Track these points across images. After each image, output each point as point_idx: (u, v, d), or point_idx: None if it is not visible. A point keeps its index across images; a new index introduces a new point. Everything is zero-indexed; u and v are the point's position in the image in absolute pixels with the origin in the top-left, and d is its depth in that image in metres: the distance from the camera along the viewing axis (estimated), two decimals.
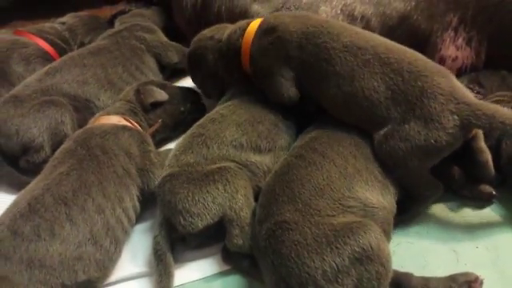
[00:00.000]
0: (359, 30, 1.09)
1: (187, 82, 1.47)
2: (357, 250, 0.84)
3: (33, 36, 1.41)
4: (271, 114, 1.15)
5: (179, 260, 1.00)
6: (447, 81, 0.95)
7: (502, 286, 0.92)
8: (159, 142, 1.24)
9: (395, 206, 0.99)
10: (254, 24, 1.15)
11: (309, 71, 1.07)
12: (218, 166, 1.00)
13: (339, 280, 0.83)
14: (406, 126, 0.94)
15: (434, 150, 0.94)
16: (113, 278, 0.98)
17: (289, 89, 1.10)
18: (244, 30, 1.16)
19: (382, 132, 0.97)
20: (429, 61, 1.00)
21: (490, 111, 0.91)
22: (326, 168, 0.96)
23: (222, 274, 1.00)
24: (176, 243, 1.02)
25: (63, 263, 0.86)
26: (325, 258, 0.83)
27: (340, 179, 0.95)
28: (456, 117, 0.92)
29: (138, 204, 1.04)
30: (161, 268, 0.96)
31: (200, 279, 0.99)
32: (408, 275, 0.91)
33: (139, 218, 1.08)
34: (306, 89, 1.09)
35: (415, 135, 0.94)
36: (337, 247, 0.84)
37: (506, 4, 1.20)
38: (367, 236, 0.85)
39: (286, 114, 1.16)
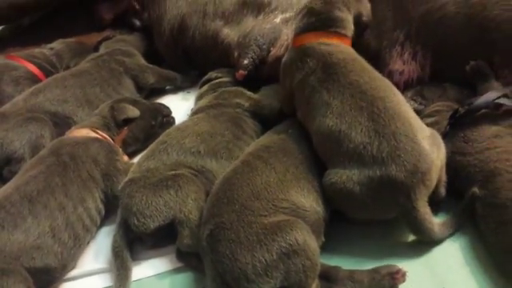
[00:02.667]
0: (376, 74, 1.14)
1: (164, 100, 1.61)
2: (284, 245, 0.92)
3: (23, 60, 1.57)
4: (237, 128, 1.27)
5: (136, 258, 1.11)
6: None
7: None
8: (132, 154, 1.35)
9: (328, 213, 1.06)
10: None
11: (308, 94, 1.14)
12: (172, 173, 1.11)
13: (268, 273, 0.91)
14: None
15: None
16: (76, 272, 1.10)
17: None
18: None
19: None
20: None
21: None
22: (266, 174, 1.04)
23: (174, 270, 1.10)
24: (134, 243, 1.11)
25: (22, 250, 1.00)
26: (255, 254, 0.91)
27: (277, 184, 1.03)
28: None
29: (101, 206, 1.16)
30: (118, 263, 1.07)
31: (154, 275, 1.09)
32: (336, 268, 1.00)
33: (106, 220, 1.19)
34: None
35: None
36: (266, 244, 0.92)
37: (445, 20, 1.28)
38: (293, 232, 0.93)
39: (256, 130, 1.30)
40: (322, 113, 1.10)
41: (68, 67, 1.64)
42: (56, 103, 1.40)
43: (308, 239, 0.94)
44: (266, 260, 0.91)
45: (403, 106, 1.09)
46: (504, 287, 0.96)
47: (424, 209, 1.02)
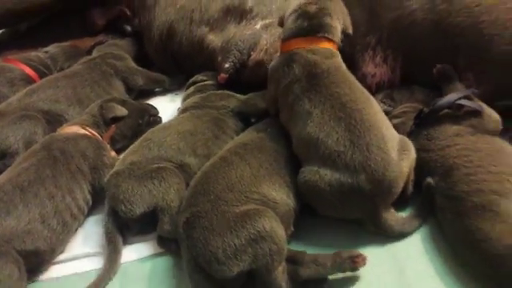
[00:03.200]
0: (356, 86, 1.19)
1: (152, 101, 1.69)
2: (252, 231, 0.99)
3: (19, 63, 1.66)
4: (217, 128, 1.35)
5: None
6: None
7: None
8: (120, 150, 1.42)
9: (299, 206, 1.15)
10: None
11: (291, 101, 1.20)
12: (156, 165, 1.20)
13: (237, 257, 0.98)
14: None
15: None
16: (64, 256, 1.19)
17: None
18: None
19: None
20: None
21: None
22: (241, 168, 1.12)
23: (156, 255, 1.19)
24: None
25: (14, 234, 1.08)
26: (225, 239, 0.99)
27: (250, 178, 1.11)
28: None
29: (89, 197, 1.25)
30: (111, 248, 1.16)
31: (137, 259, 1.17)
32: (302, 253, 1.07)
33: (93, 210, 1.28)
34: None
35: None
36: (236, 230, 0.99)
37: (414, 26, 1.35)
38: (261, 220, 1.00)
39: (237, 130, 1.37)
40: (304, 120, 1.16)
41: (62, 69, 1.72)
42: (48, 102, 1.48)
43: (275, 226, 1.01)
44: (235, 244, 0.98)
45: (378, 117, 1.15)
46: (460, 275, 1.03)
47: (386, 212, 1.11)
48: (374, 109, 1.16)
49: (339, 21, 1.29)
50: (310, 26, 1.25)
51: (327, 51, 1.24)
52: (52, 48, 1.78)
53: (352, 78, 1.22)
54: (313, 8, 1.26)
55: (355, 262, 1.02)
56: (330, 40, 1.25)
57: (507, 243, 0.96)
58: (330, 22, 1.26)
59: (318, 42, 1.25)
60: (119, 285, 1.13)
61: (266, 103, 1.36)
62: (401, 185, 1.11)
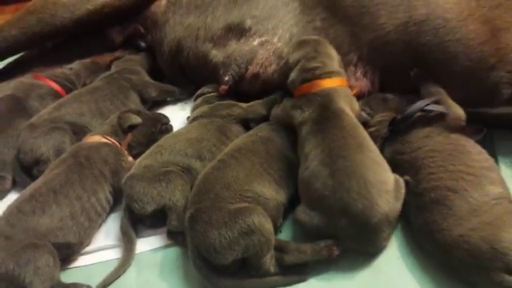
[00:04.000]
0: (352, 132, 1.26)
1: (164, 110, 1.89)
2: (244, 226, 1.15)
3: (46, 79, 1.83)
4: (222, 135, 1.52)
5: (137, 236, 1.37)
6: None
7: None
8: (137, 155, 1.58)
9: (287, 201, 1.31)
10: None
11: (301, 140, 1.32)
12: (164, 169, 1.37)
13: (232, 247, 1.14)
14: None
15: None
16: (90, 247, 1.37)
17: None
18: None
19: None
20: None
21: None
22: (236, 169, 1.28)
23: (166, 246, 1.35)
24: (136, 224, 1.38)
25: (48, 230, 1.26)
26: (221, 232, 1.15)
27: (244, 177, 1.26)
28: None
29: (110, 196, 1.43)
30: (126, 239, 1.34)
31: (150, 250, 1.35)
32: (287, 242, 1.24)
33: (115, 208, 1.46)
34: None
35: None
36: (230, 225, 1.15)
37: (389, 45, 1.50)
38: (252, 216, 1.16)
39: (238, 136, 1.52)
40: (303, 161, 1.28)
41: (85, 84, 1.90)
42: (74, 115, 1.66)
43: (263, 221, 1.17)
44: (229, 237, 1.14)
45: (366, 163, 1.19)
46: (425, 264, 1.19)
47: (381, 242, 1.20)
48: (364, 155, 1.21)
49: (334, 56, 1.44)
50: (315, 74, 1.38)
51: (331, 92, 1.35)
52: (75, 65, 1.96)
53: (351, 122, 1.29)
54: (313, 64, 1.40)
55: (331, 250, 1.18)
56: (338, 77, 1.39)
57: (456, 234, 1.12)
58: (330, 62, 1.41)
59: (330, 81, 1.37)
60: (136, 272, 1.30)
61: (273, 114, 1.52)
62: (390, 224, 1.19)
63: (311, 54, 1.42)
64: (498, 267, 1.06)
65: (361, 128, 1.31)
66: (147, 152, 1.48)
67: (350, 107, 1.37)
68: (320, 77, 1.38)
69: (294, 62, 1.44)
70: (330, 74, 1.39)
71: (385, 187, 1.18)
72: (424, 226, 1.20)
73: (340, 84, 1.39)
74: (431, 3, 1.45)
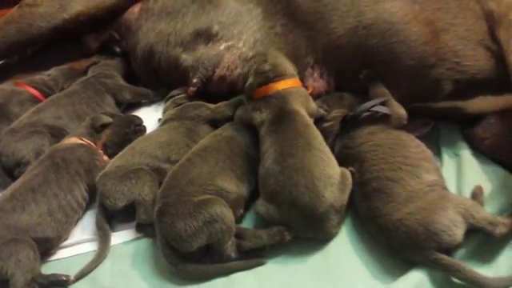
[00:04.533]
0: (302, 132, 1.37)
1: (139, 111, 1.98)
2: (207, 215, 1.26)
3: (26, 86, 1.92)
4: (190, 137, 1.62)
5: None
6: None
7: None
8: (111, 155, 1.67)
9: (248, 194, 1.42)
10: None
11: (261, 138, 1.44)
12: (134, 167, 1.48)
13: (196, 235, 1.26)
14: None
15: None
16: (68, 241, 1.46)
17: None
18: None
19: None
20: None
21: None
22: (201, 166, 1.39)
23: (137, 238, 1.45)
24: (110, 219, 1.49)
25: (28, 226, 1.35)
26: (186, 222, 1.26)
27: (207, 173, 1.38)
28: None
29: (85, 193, 1.52)
30: (101, 233, 1.44)
31: (122, 242, 1.45)
32: (246, 229, 1.36)
33: (91, 204, 1.56)
34: None
35: None
36: (194, 215, 1.27)
37: (341, 48, 1.60)
38: (214, 207, 1.28)
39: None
40: (261, 159, 1.39)
41: (63, 89, 1.98)
42: (52, 119, 1.75)
43: (224, 211, 1.29)
44: (194, 226, 1.26)
45: (313, 160, 1.31)
46: (371, 247, 1.31)
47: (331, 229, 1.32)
48: (312, 153, 1.33)
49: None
50: (267, 76, 1.49)
51: (286, 94, 1.46)
52: (53, 71, 2.05)
53: (303, 122, 1.40)
54: (264, 68, 1.50)
55: (283, 235, 1.30)
56: (291, 78, 1.49)
57: (395, 218, 1.24)
58: (282, 63, 1.52)
59: (283, 83, 1.48)
60: (110, 262, 1.39)
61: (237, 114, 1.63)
62: (338, 213, 1.31)
63: (262, 58, 1.53)
64: (432, 246, 1.18)
65: (312, 128, 1.42)
66: (120, 153, 1.58)
67: (304, 106, 1.48)
68: (273, 80, 1.49)
69: (249, 69, 1.56)
70: (283, 77, 1.50)
71: (330, 181, 1.30)
72: (368, 213, 1.32)
73: (293, 85, 1.50)
74: (378, 8, 1.56)
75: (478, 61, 1.47)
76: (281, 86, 1.48)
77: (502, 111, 1.38)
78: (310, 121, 1.46)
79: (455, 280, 1.19)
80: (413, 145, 1.40)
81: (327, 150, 1.40)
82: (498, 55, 1.44)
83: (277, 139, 1.39)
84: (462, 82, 1.49)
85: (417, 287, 1.17)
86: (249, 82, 1.54)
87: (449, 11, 1.51)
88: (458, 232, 1.18)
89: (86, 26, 2.07)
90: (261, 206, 1.37)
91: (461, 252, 1.23)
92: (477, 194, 1.33)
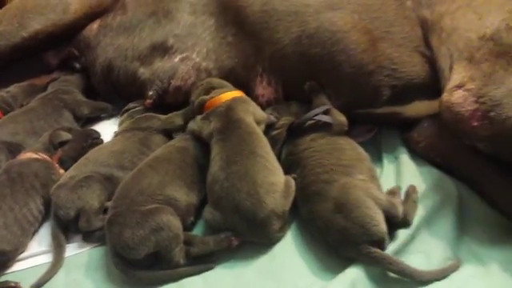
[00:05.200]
0: (247, 139, 1.43)
1: (99, 125, 2.03)
2: (153, 224, 1.30)
3: None
4: (143, 146, 1.67)
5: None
6: None
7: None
8: (68, 169, 1.68)
9: (199, 202, 1.46)
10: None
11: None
12: (85, 175, 1.52)
13: (143, 243, 1.29)
14: None
15: None
16: (25, 254, 1.48)
17: None
18: None
19: None
20: None
21: None
22: (151, 177, 1.43)
23: (91, 248, 1.47)
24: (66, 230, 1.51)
25: None
26: (133, 231, 1.29)
27: (158, 183, 1.41)
28: None
29: (41, 207, 1.55)
30: (55, 244, 1.47)
31: (76, 253, 1.47)
32: (194, 236, 1.40)
33: (48, 217, 1.57)
34: None
35: None
36: (141, 224, 1.30)
37: (287, 56, 1.66)
38: (160, 215, 1.32)
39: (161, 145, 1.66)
40: (210, 166, 1.44)
41: (22, 105, 2.01)
42: (10, 135, 1.77)
43: (171, 219, 1.33)
44: (141, 234, 1.29)
45: (256, 168, 1.36)
46: (313, 248, 1.36)
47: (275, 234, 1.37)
48: (256, 160, 1.38)
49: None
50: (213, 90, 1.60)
51: (232, 104, 1.52)
52: (12, 88, 2.08)
53: (248, 130, 1.46)
54: (207, 85, 1.64)
55: (230, 241, 1.35)
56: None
57: (328, 218, 1.31)
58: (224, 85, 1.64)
59: (230, 94, 1.56)
60: (64, 273, 1.41)
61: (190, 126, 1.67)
62: (280, 218, 1.36)
63: (207, 81, 1.67)
64: (364, 240, 1.25)
65: (257, 136, 1.47)
66: (74, 164, 1.62)
67: (251, 115, 1.55)
68: (219, 93, 1.57)
69: (194, 95, 1.68)
70: (227, 89, 1.58)
71: (273, 188, 1.35)
72: (308, 215, 1.38)
73: (238, 95, 1.57)
74: (320, 18, 1.63)
75: (413, 67, 1.55)
76: (226, 96, 1.55)
77: (435, 115, 1.44)
78: (257, 129, 1.52)
79: (391, 275, 1.25)
80: (348, 148, 1.47)
81: (272, 157, 1.46)
82: (432, 61, 1.51)
83: (223, 147, 1.44)
84: (399, 88, 1.56)
85: (353, 283, 1.23)
86: (197, 101, 1.62)
87: (386, 20, 1.59)
88: (381, 218, 1.26)
89: (45, 43, 2.10)
90: (207, 212, 1.42)
91: (394, 246, 1.30)
92: (409, 193, 1.41)
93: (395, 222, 1.32)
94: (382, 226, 1.26)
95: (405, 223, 1.33)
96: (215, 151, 1.46)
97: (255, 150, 1.42)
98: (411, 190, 1.41)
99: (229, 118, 1.50)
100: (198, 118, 1.60)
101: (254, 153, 1.41)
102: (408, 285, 1.23)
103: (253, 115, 1.55)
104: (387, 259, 1.23)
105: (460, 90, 1.30)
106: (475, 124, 1.26)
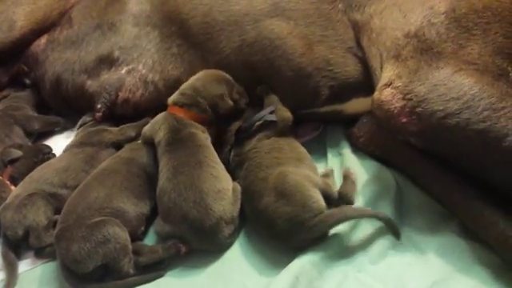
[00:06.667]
0: (195, 151, 1.47)
1: (51, 139, 2.04)
2: (99, 236, 1.32)
3: None
4: (89, 163, 1.67)
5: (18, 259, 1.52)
6: None
7: None
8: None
9: (149, 210, 1.49)
10: None
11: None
12: (29, 193, 1.53)
13: (91, 256, 1.31)
14: None
15: None
16: None
17: None
18: None
19: None
20: None
21: None
22: (98, 190, 1.44)
23: (43, 263, 1.50)
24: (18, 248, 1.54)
25: None
26: (80, 245, 1.32)
27: (104, 196, 1.43)
28: None
29: None
30: (6, 263, 1.48)
31: (29, 269, 1.49)
32: (143, 245, 1.43)
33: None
34: None
35: None
36: (87, 237, 1.33)
37: (231, 64, 1.68)
38: (107, 227, 1.34)
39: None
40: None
41: None
42: None
43: (117, 230, 1.35)
44: (87, 248, 1.32)
45: (202, 177, 1.39)
46: (260, 246, 1.40)
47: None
48: (203, 170, 1.42)
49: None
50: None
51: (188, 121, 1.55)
52: None
53: (198, 142, 1.49)
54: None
55: (178, 248, 1.38)
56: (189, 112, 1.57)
57: (270, 210, 1.34)
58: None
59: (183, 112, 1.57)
60: None
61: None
62: (229, 224, 1.40)
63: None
64: (309, 216, 1.31)
65: (204, 147, 1.51)
66: (20, 183, 1.63)
67: (200, 128, 1.58)
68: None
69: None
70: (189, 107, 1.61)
71: (219, 195, 1.39)
72: (252, 215, 1.43)
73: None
74: (259, 26, 1.68)
75: (347, 67, 1.61)
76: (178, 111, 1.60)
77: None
78: (205, 140, 1.55)
79: (333, 265, 1.31)
80: (287, 148, 1.52)
81: (219, 166, 1.50)
82: (364, 61, 1.57)
83: (170, 159, 1.47)
84: (336, 87, 1.62)
85: (296, 276, 1.27)
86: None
87: (320, 24, 1.64)
88: (319, 196, 1.34)
89: None
90: (158, 225, 1.46)
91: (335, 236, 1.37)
92: (346, 174, 1.49)
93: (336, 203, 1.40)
94: (322, 203, 1.33)
95: (348, 202, 1.41)
96: (163, 163, 1.48)
97: (202, 159, 1.45)
98: (347, 172, 1.49)
99: (179, 130, 1.53)
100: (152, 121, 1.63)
101: (200, 163, 1.44)
102: (348, 270, 1.30)
103: (201, 129, 1.58)
104: (337, 212, 1.32)
105: (388, 88, 1.35)
106: (404, 120, 1.31)
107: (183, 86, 1.65)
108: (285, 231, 1.33)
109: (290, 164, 1.44)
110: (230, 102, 1.62)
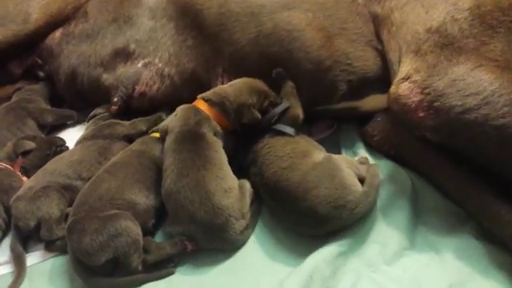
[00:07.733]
0: (201, 152, 1.44)
1: (65, 132, 2.03)
2: (112, 229, 1.31)
3: None
4: (102, 155, 1.67)
5: (28, 251, 1.52)
6: None
7: None
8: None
9: (159, 203, 1.46)
10: None
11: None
12: (43, 185, 1.52)
13: (102, 249, 1.30)
14: None
15: None
16: None
17: None
18: None
19: None
20: None
21: None
22: (109, 182, 1.44)
23: (53, 257, 1.48)
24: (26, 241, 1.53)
25: None
26: (92, 237, 1.31)
27: (116, 188, 1.42)
28: None
29: (4, 214, 1.56)
30: (14, 255, 1.47)
31: (38, 262, 1.48)
32: (153, 242, 1.40)
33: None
34: None
35: None
36: (99, 230, 1.31)
37: (246, 56, 1.66)
38: (120, 220, 1.33)
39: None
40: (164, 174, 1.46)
41: None
42: None
43: (130, 224, 1.34)
44: (100, 241, 1.30)
45: (208, 178, 1.38)
46: (275, 243, 1.40)
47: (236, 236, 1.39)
48: (208, 172, 1.40)
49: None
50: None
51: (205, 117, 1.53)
52: None
53: (206, 144, 1.46)
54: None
55: (185, 245, 1.37)
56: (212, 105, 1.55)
57: (308, 197, 1.32)
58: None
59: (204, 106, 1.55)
60: (28, 282, 1.42)
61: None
62: (239, 221, 1.38)
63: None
64: (350, 199, 1.30)
65: (211, 150, 1.47)
66: (33, 175, 1.62)
67: (212, 130, 1.54)
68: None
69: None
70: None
71: (226, 194, 1.38)
72: (282, 209, 1.41)
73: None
74: (275, 18, 1.64)
75: (367, 61, 1.57)
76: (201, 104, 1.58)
77: (387, 109, 1.46)
78: (214, 142, 1.51)
79: (348, 261, 1.29)
80: (302, 141, 1.51)
81: (225, 167, 1.47)
82: (383, 55, 1.53)
83: (176, 160, 1.45)
84: (355, 82, 1.58)
85: (310, 274, 1.25)
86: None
87: (340, 17, 1.60)
88: (357, 181, 1.34)
89: (7, 53, 2.10)
90: (168, 224, 1.45)
91: (351, 237, 1.34)
92: (363, 162, 1.49)
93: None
94: (359, 187, 1.34)
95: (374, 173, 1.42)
96: (168, 162, 1.46)
97: (209, 161, 1.44)
98: (363, 160, 1.51)
99: (191, 128, 1.51)
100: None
101: (206, 164, 1.43)
102: (363, 270, 1.27)
103: (213, 130, 1.55)
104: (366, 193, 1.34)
105: (406, 81, 1.31)
106: (421, 114, 1.28)
107: (217, 87, 1.65)
108: (325, 216, 1.31)
109: (315, 152, 1.42)
110: (257, 114, 1.55)
